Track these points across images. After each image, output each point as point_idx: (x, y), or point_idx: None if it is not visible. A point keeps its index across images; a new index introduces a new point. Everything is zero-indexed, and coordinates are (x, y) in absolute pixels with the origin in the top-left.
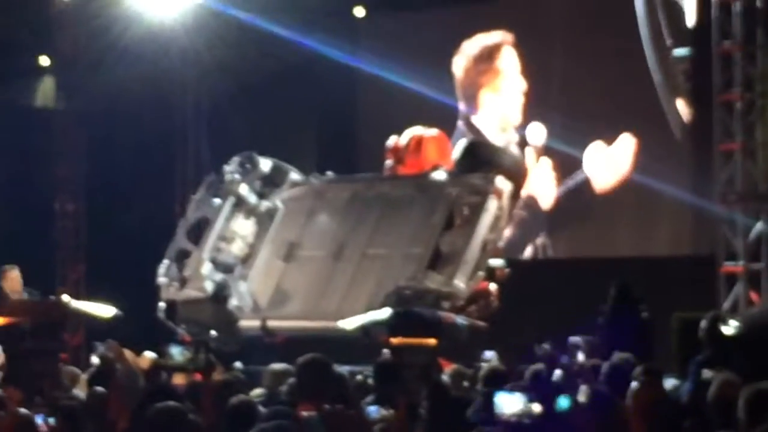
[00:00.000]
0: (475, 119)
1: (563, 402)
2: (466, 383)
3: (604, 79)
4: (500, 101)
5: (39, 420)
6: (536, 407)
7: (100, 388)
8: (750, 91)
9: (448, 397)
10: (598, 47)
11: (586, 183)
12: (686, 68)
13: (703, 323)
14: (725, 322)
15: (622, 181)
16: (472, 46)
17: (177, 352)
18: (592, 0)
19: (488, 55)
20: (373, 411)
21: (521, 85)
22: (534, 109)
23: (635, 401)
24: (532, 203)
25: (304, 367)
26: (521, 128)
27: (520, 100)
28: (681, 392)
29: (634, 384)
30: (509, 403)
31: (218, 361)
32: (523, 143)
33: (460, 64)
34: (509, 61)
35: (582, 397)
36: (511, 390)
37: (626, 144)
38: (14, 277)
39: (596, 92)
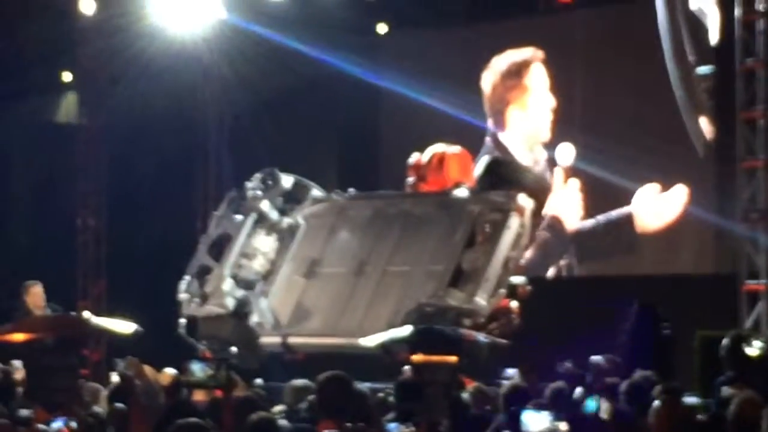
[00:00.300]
0: (502, 136)
1: (591, 404)
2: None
3: (627, 97)
4: (528, 118)
5: (60, 424)
6: (563, 426)
7: (120, 405)
8: None
9: (469, 415)
10: (621, 65)
11: (629, 219)
12: (709, 86)
13: (725, 342)
14: (749, 343)
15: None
16: (501, 62)
17: (198, 369)
18: (615, 18)
19: (516, 72)
20: (394, 429)
21: (550, 102)
22: (559, 128)
23: (656, 420)
24: (556, 224)
25: (324, 384)
26: (550, 147)
27: (548, 118)
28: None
29: (655, 402)
30: (535, 421)
31: (239, 378)
32: (552, 162)
33: (488, 79)
34: (538, 77)
35: (604, 414)
36: (534, 408)
37: (679, 193)
38: (37, 292)
39: (618, 111)
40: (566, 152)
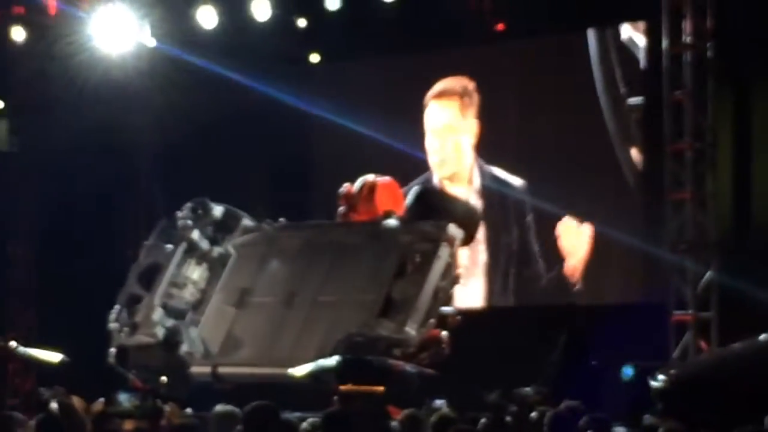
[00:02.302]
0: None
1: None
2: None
3: (559, 127)
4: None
5: None
6: None
7: None
8: (700, 141)
9: None
10: (554, 95)
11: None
12: (639, 117)
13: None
14: (654, 378)
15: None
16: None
17: (124, 399)
18: (549, 50)
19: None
20: None
21: (430, 145)
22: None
23: None
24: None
25: (251, 414)
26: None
27: (431, 160)
28: None
29: None
30: None
31: (175, 405)
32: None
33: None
34: (427, 118)
35: None
36: None
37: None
38: None
39: (551, 141)
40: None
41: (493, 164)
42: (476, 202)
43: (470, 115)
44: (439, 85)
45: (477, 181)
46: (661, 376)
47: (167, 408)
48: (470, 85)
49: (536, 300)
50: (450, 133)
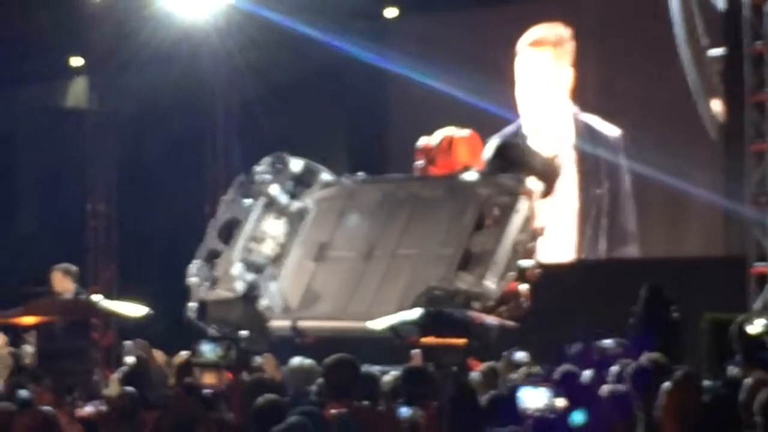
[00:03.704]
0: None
1: (577, 417)
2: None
3: (639, 79)
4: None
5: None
6: (560, 402)
7: (130, 389)
8: None
9: (475, 399)
10: (632, 48)
11: None
12: (720, 68)
13: (732, 328)
14: (750, 322)
15: None
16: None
17: (208, 349)
18: (629, 1)
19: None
20: (404, 412)
21: (531, 90)
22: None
23: (668, 401)
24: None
25: (333, 368)
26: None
27: (528, 106)
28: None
29: (666, 384)
30: (533, 398)
31: (269, 357)
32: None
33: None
34: (520, 65)
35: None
36: (536, 385)
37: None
38: (61, 277)
39: (630, 93)
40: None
41: (587, 112)
42: (568, 152)
43: (565, 64)
44: (534, 33)
45: (569, 132)
46: (760, 321)
47: (261, 360)
48: (566, 32)
49: (625, 252)
50: (542, 82)
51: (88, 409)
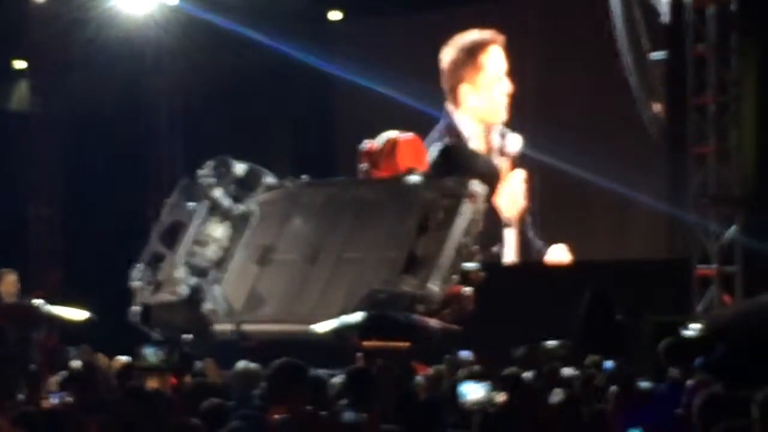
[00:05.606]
0: (457, 117)
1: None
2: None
3: (581, 83)
4: (479, 98)
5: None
6: (500, 396)
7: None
8: (723, 94)
9: (418, 401)
10: (574, 52)
11: None
12: (663, 72)
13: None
14: (685, 327)
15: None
16: (461, 39)
17: (150, 353)
18: (570, 6)
19: (472, 50)
20: (348, 416)
21: (504, 86)
22: (512, 113)
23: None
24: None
25: (276, 372)
26: (502, 132)
27: (501, 101)
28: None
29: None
30: (473, 391)
31: (210, 361)
32: (501, 150)
33: (447, 54)
34: (494, 59)
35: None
36: (476, 380)
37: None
38: (9, 281)
39: (572, 97)
40: (514, 141)
41: (515, 120)
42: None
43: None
44: (490, 32)
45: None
46: (694, 325)
47: (202, 364)
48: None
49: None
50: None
51: (53, 401)
